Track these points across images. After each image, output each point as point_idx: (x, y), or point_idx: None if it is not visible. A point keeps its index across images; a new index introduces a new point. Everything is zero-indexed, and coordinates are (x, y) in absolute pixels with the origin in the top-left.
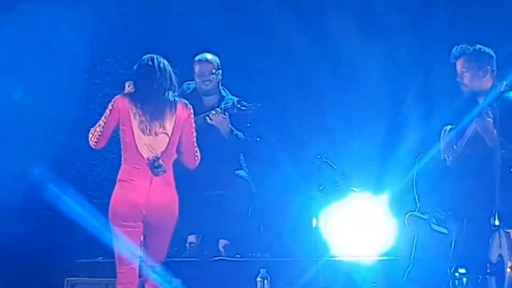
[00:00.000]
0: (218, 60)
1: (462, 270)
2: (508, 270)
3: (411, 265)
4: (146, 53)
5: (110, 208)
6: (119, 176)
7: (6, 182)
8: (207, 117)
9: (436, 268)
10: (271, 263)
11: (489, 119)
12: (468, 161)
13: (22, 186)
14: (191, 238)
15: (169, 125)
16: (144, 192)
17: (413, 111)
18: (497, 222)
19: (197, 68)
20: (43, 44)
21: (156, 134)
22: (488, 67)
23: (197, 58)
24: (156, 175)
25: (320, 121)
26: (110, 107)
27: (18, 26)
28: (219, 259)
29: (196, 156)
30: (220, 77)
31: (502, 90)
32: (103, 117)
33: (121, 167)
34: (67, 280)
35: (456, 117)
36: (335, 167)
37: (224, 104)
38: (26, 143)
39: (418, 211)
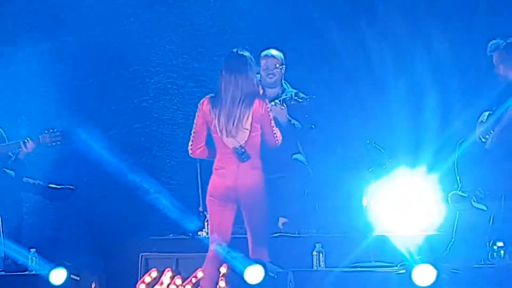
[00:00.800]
0: (282, 56)
1: (500, 244)
2: None
3: (453, 239)
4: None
5: (207, 192)
6: (214, 165)
7: (91, 168)
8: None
9: (476, 242)
10: (326, 238)
11: None
12: (505, 145)
13: (104, 171)
14: None
15: (247, 122)
16: (234, 176)
17: (456, 100)
18: None
19: (263, 62)
20: (122, 37)
21: (237, 132)
22: None
23: (263, 53)
24: (242, 161)
25: (369, 109)
26: (198, 110)
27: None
28: (278, 235)
29: (276, 138)
30: (283, 71)
31: None
32: (194, 122)
33: (216, 158)
34: (142, 255)
35: (493, 105)
36: (383, 151)
37: (284, 97)
38: (103, 131)
39: (459, 190)
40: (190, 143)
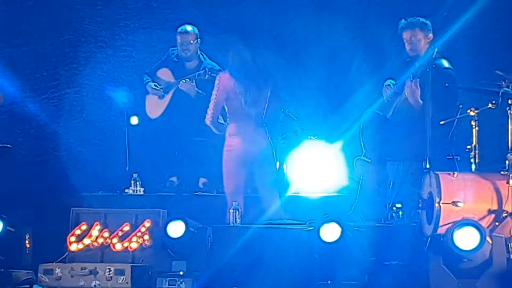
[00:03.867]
0: (196, 31)
1: (399, 205)
2: (437, 205)
3: (357, 200)
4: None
5: (223, 156)
6: (230, 131)
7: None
8: (180, 83)
9: (377, 203)
10: (244, 197)
11: (418, 89)
12: (404, 114)
13: (38, 132)
14: (173, 178)
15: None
16: (248, 142)
17: (360, 72)
18: (428, 165)
19: (178, 38)
20: (56, 8)
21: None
22: (425, 35)
23: (178, 30)
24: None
25: (284, 79)
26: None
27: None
28: (199, 194)
29: None
30: (198, 45)
31: (433, 56)
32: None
33: (229, 125)
34: (72, 210)
35: (396, 76)
36: (295, 119)
37: (198, 72)
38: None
39: (363, 156)
40: (210, 112)
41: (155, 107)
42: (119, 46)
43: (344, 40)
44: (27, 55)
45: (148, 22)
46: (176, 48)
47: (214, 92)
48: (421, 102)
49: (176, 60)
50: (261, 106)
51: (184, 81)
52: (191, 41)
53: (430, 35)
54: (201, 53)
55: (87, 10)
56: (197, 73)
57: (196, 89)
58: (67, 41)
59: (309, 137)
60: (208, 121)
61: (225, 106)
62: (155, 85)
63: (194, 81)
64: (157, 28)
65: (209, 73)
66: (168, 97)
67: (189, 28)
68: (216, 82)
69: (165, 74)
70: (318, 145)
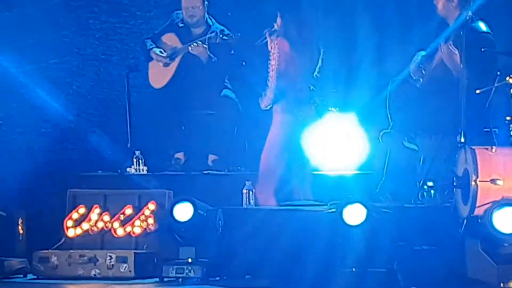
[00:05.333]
0: None
1: (430, 183)
2: (473, 183)
3: (383, 178)
4: None
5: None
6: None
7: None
8: (189, 47)
9: (406, 181)
10: (255, 176)
11: (455, 50)
12: (436, 84)
13: (28, 105)
14: (179, 155)
15: None
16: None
17: (386, 36)
18: (462, 140)
19: (182, 1)
20: None
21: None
22: None
23: None
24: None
25: None
26: None
27: None
28: (208, 172)
29: None
30: (205, 9)
31: (467, 18)
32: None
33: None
34: (69, 191)
35: (426, 44)
36: (314, 89)
37: (209, 34)
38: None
39: (390, 129)
40: (271, 86)
41: (159, 75)
42: (113, 11)
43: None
44: (12, 20)
45: None
46: (180, 11)
47: (272, 62)
48: (461, 65)
49: (182, 25)
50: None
51: (195, 43)
52: (198, 5)
53: None
54: (209, 17)
55: None
56: (207, 36)
57: (208, 52)
58: (56, 5)
59: (329, 108)
60: (267, 102)
61: None
62: (160, 51)
63: (206, 44)
64: None
65: (221, 35)
66: (174, 64)
67: None
68: (273, 49)
69: (170, 40)
70: (340, 117)
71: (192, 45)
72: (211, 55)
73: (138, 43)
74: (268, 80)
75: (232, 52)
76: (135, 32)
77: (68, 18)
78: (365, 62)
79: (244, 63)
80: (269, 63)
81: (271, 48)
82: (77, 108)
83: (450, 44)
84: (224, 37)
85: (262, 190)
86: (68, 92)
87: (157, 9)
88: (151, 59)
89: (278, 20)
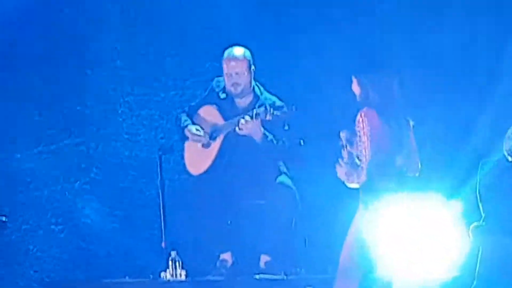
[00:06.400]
0: (249, 56)
1: None
2: None
3: (475, 282)
4: None
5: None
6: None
7: None
8: (236, 128)
9: (503, 285)
10: (318, 280)
11: None
12: None
13: None
14: (224, 256)
15: None
16: None
17: (477, 109)
18: None
19: (224, 67)
20: None
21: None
22: None
23: (224, 55)
24: None
25: None
26: None
27: None
28: (261, 277)
29: None
30: (252, 75)
31: None
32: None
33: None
34: None
35: None
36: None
37: (257, 109)
38: None
39: (483, 222)
40: (364, 165)
41: (198, 158)
42: (138, 80)
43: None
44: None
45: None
46: (222, 78)
47: (363, 139)
48: None
49: (224, 95)
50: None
51: (243, 120)
52: (243, 71)
53: None
54: (256, 85)
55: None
56: (254, 110)
57: (262, 130)
58: (68, 74)
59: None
60: (361, 179)
61: None
62: (197, 129)
63: (257, 119)
64: (190, 55)
65: (271, 111)
66: (216, 145)
67: (238, 51)
68: (361, 123)
69: (210, 114)
70: (416, 203)
71: (240, 124)
72: (266, 132)
73: (171, 119)
74: (361, 156)
75: (287, 127)
76: (166, 106)
77: (83, 89)
78: (449, 136)
79: (302, 142)
80: (359, 140)
81: (359, 121)
82: (96, 200)
83: None
84: (275, 112)
85: None
86: (84, 180)
87: (193, 77)
88: (187, 138)
89: (356, 86)
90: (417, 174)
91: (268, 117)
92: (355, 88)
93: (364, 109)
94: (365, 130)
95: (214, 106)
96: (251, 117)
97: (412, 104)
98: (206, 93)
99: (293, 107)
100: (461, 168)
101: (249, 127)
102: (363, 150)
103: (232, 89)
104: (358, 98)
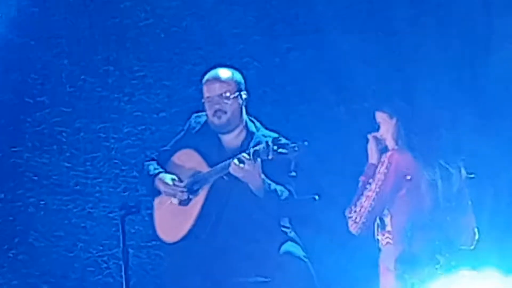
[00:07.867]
0: (239, 78)
1: None
2: None
3: None
4: None
5: None
6: None
7: None
8: (229, 170)
9: None
10: None
11: None
12: None
13: None
14: None
15: None
16: None
17: None
18: None
19: (204, 91)
20: None
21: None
22: None
23: (205, 77)
24: None
25: None
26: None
27: None
28: None
29: None
30: (242, 103)
31: None
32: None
33: None
34: None
35: None
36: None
37: (253, 147)
38: None
39: None
40: (363, 213)
41: (174, 220)
42: (91, 114)
43: None
44: None
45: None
46: (202, 113)
47: (377, 182)
48: None
49: (205, 133)
50: None
51: (237, 162)
52: (228, 94)
53: None
54: (250, 119)
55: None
56: (252, 148)
57: (262, 176)
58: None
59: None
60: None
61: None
62: (173, 179)
63: (256, 160)
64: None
65: (274, 147)
66: (198, 200)
67: (224, 73)
68: (384, 165)
69: (189, 159)
70: (469, 282)
71: (232, 167)
72: (266, 179)
73: (136, 168)
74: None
75: (294, 173)
76: (131, 148)
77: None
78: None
79: (317, 197)
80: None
81: (382, 163)
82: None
83: None
84: (280, 150)
85: None
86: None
87: (171, 107)
88: (158, 192)
89: (387, 124)
90: (472, 247)
91: (271, 156)
92: (384, 124)
93: (393, 150)
94: (380, 176)
95: (193, 149)
96: (249, 157)
97: (466, 149)
98: (183, 133)
99: (305, 142)
100: None
101: (245, 171)
102: (364, 200)
103: (214, 119)
104: (385, 141)
